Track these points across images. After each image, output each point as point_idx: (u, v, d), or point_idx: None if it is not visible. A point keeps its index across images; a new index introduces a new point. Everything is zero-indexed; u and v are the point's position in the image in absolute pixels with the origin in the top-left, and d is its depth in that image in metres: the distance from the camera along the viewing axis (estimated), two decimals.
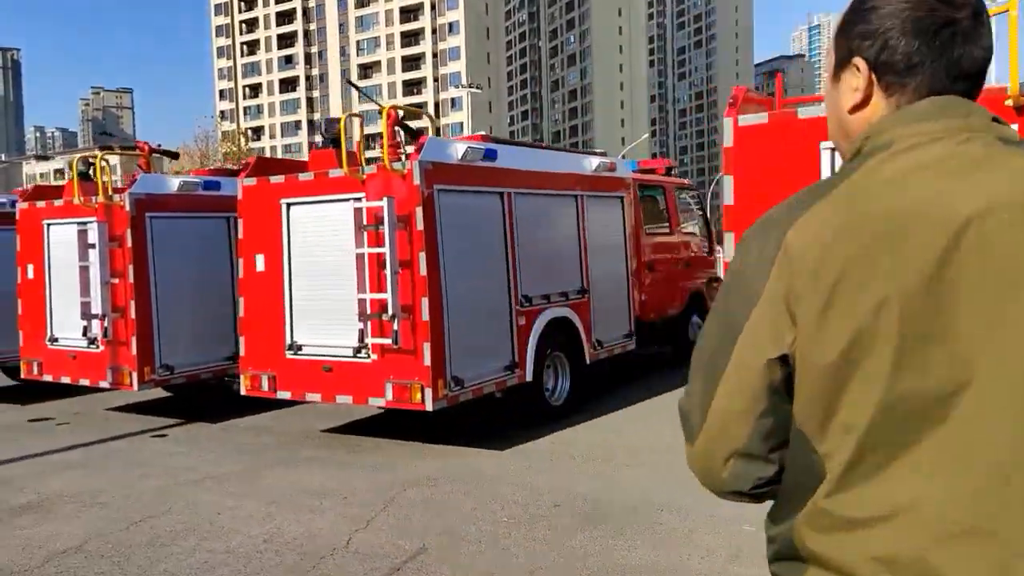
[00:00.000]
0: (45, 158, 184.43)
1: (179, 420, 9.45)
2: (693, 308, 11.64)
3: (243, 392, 7.98)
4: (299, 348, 7.50)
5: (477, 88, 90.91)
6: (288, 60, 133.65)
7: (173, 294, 8.99)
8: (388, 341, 6.79)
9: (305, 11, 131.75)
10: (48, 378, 9.63)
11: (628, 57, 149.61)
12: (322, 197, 7.30)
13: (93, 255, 8.76)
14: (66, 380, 9.45)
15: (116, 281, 8.74)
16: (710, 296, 12.39)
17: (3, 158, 70.92)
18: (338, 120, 7.68)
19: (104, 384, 9.02)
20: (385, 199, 6.67)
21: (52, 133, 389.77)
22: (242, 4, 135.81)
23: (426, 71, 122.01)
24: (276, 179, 7.62)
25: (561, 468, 6.82)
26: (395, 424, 8.60)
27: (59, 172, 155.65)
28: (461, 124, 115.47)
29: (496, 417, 8.44)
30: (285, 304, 7.57)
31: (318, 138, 8.10)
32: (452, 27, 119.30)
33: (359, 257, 6.91)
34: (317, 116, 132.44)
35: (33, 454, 8.20)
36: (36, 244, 9.57)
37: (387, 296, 6.71)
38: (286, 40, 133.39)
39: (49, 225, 9.48)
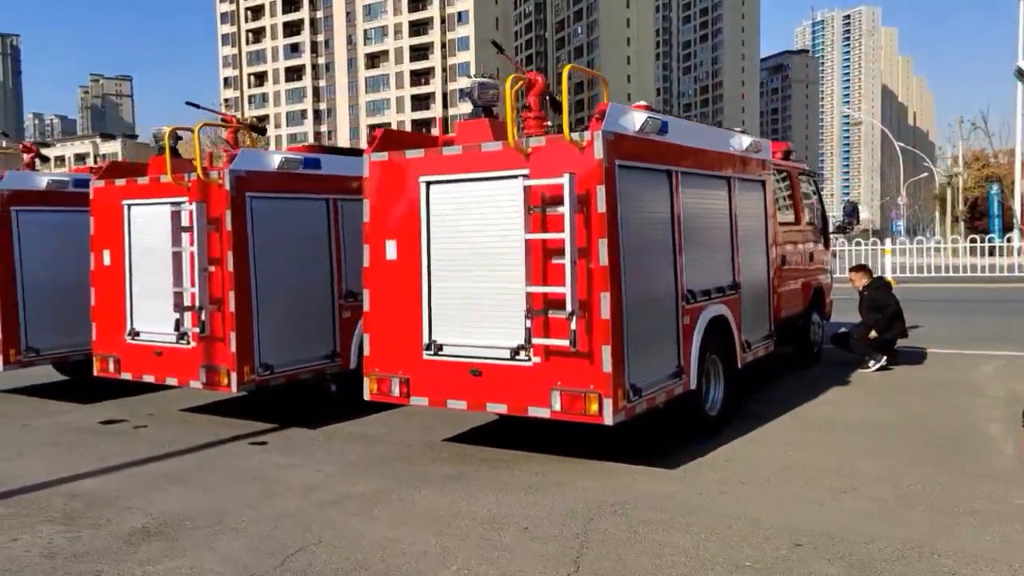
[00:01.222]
0: (45, 145, 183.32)
1: (272, 425, 8.50)
2: (814, 306, 10.71)
3: (367, 397, 7.03)
4: (439, 348, 6.54)
5: (491, 78, 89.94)
6: (294, 48, 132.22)
7: (273, 285, 8.03)
8: (562, 342, 5.83)
9: None
10: (127, 376, 8.67)
11: (636, 50, 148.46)
12: (473, 174, 6.33)
13: (187, 240, 7.79)
14: (149, 379, 8.49)
15: (213, 269, 7.78)
16: (828, 294, 11.47)
17: (4, 144, 69.39)
18: (494, 84, 6.71)
19: (196, 384, 8.06)
20: (566, 176, 5.70)
21: (51, 120, 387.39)
22: None
23: (434, 61, 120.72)
24: (414, 154, 6.65)
25: (763, 493, 5.87)
26: (510, 432, 7.66)
27: (60, 159, 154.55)
28: (467, 114, 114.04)
29: (637, 428, 7.49)
30: (422, 297, 6.61)
31: (462, 108, 7.12)
32: (461, 16, 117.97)
33: (530, 244, 5.95)
34: (323, 106, 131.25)
35: (122, 464, 7.26)
36: (114, 227, 8.59)
37: (565, 290, 5.75)
38: (292, 28, 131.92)
39: (130, 206, 8.49)
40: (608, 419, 5.78)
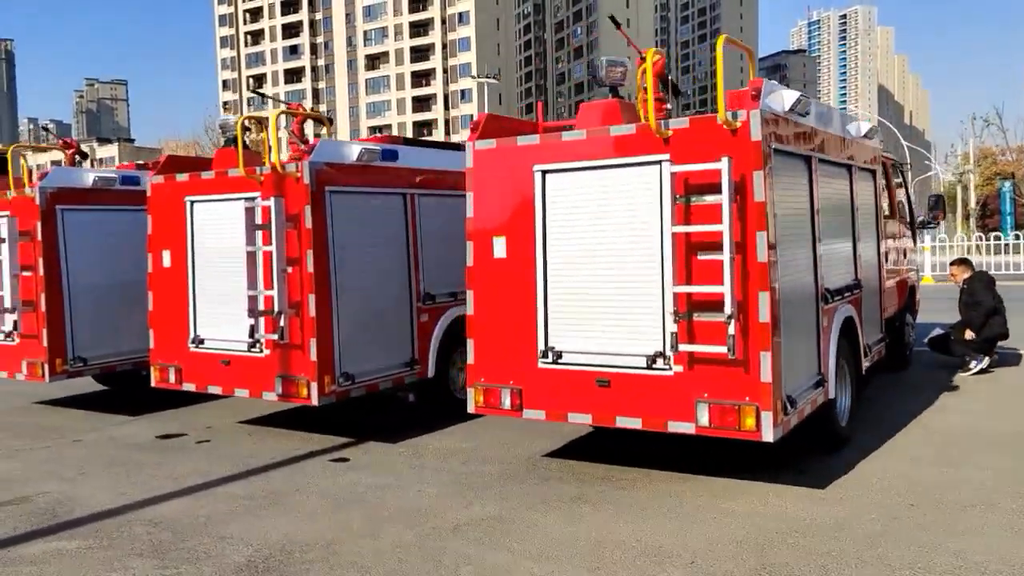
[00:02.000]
0: (43, 150, 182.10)
1: (346, 439, 7.84)
2: (908, 305, 10.10)
3: (471, 409, 6.40)
4: (558, 356, 5.90)
5: (495, 79, 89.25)
6: (293, 50, 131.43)
7: (352, 287, 7.39)
8: (715, 349, 5.20)
9: (311, 0, 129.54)
10: (190, 387, 8.01)
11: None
12: (599, 162, 5.70)
13: (262, 238, 7.15)
14: (215, 390, 7.83)
15: (290, 270, 7.13)
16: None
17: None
18: (622, 62, 6.06)
19: (270, 396, 7.41)
20: (724, 160, 5.07)
21: (46, 125, 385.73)
22: None
23: (435, 62, 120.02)
24: (527, 140, 6.02)
25: (945, 519, 5.24)
26: (608, 445, 7.02)
27: (56, 163, 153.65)
28: (471, 116, 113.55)
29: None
30: (537, 299, 5.97)
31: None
32: (462, 17, 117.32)
33: (676, 238, 5.31)
34: (323, 108, 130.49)
35: (199, 485, 6.61)
36: (175, 226, 7.93)
37: (723, 290, 5.12)
38: (291, 30, 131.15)
39: (193, 203, 7.84)
40: (768, 435, 5.15)
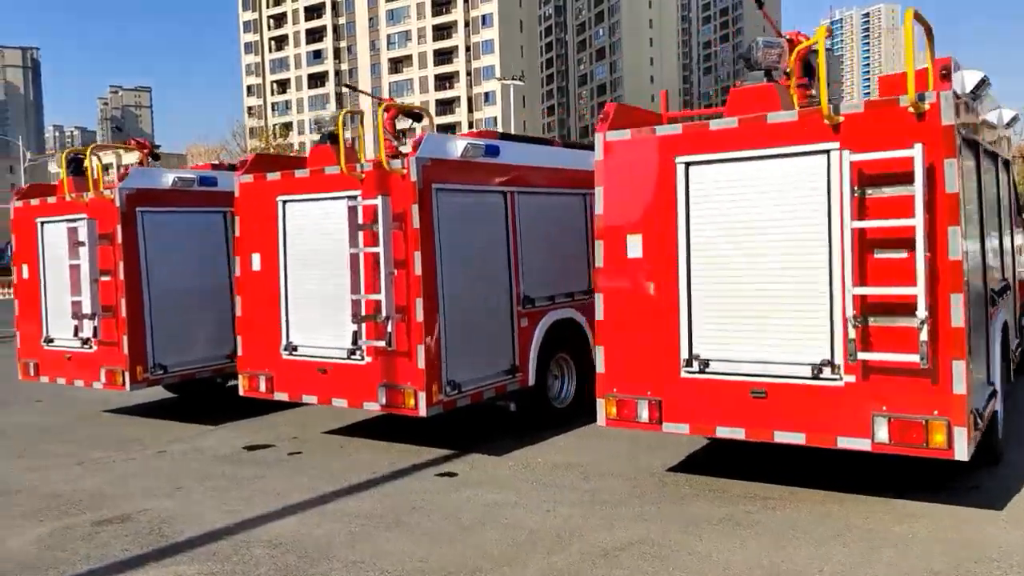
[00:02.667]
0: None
1: (447, 451, 7.41)
2: None
3: (602, 422, 5.93)
4: (705, 365, 5.44)
5: (520, 81, 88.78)
6: (317, 55, 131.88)
7: (457, 290, 6.97)
8: (902, 357, 4.71)
9: (334, 5, 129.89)
10: (282, 396, 7.62)
11: (659, 51, 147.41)
12: (753, 151, 5.23)
13: (364, 239, 6.73)
14: (311, 400, 7.43)
15: (396, 272, 6.71)
16: None
17: (29, 156, 69.80)
18: (779, 43, 5.58)
19: (372, 407, 6.99)
20: (917, 148, 4.58)
21: (71, 132, 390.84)
22: None
23: (458, 65, 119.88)
24: (667, 131, 5.56)
25: None
26: (735, 458, 6.54)
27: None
28: (495, 119, 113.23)
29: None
30: (680, 303, 5.51)
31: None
32: (485, 19, 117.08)
33: (854, 234, 4.83)
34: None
35: (308, 501, 6.21)
36: (266, 227, 7.54)
37: (914, 291, 4.63)
38: (315, 35, 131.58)
39: (286, 203, 7.44)
40: (961, 453, 4.67)
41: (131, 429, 9.08)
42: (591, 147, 9.37)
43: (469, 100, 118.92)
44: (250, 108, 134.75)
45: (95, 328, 8.44)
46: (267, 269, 7.59)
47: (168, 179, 8.81)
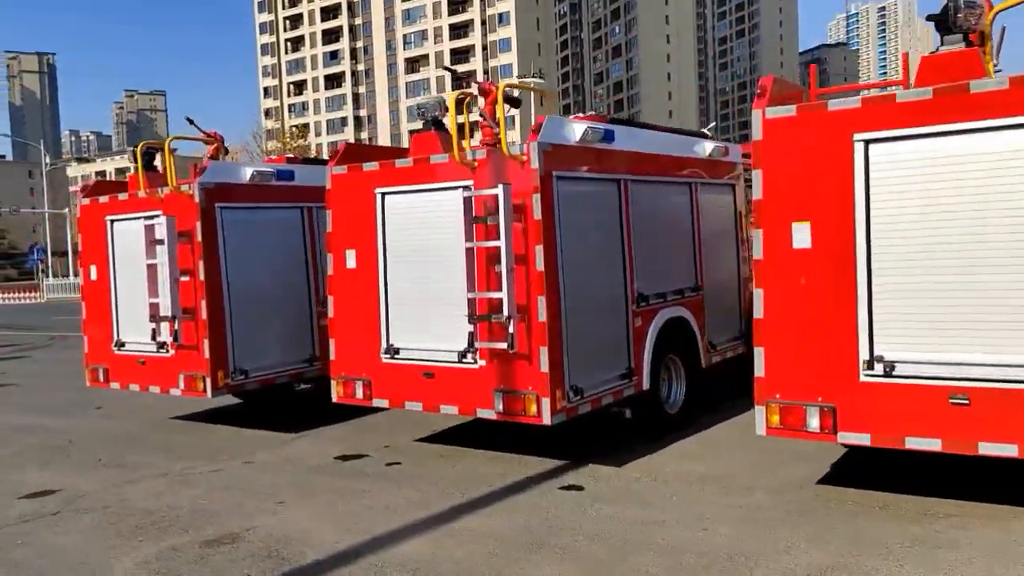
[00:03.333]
0: (87, 160, 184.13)
1: (559, 460, 6.87)
2: None
3: (761, 431, 5.38)
4: (890, 368, 4.87)
5: (541, 79, 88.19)
6: (333, 56, 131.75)
7: (577, 287, 6.43)
8: None
9: (350, 6, 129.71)
10: (382, 403, 7.11)
11: (676, 47, 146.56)
12: (955, 125, 4.65)
13: (477, 233, 6.21)
14: (415, 407, 6.91)
15: (515, 269, 6.17)
16: None
17: (48, 161, 69.85)
18: (980, 3, 4.98)
19: (486, 414, 6.46)
20: None
21: (87, 137, 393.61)
22: (286, 0, 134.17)
23: (475, 64, 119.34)
24: (842, 104, 5.00)
25: None
26: (875, 465, 5.97)
27: (100, 174, 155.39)
28: (513, 118, 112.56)
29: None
30: (859, 297, 4.95)
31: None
32: (502, 18, 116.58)
33: None
34: (363, 112, 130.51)
35: (426, 519, 5.69)
36: (363, 222, 7.03)
37: None
38: (331, 36, 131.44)
39: (385, 195, 6.93)
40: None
41: (207, 437, 8.61)
42: (691, 133, 8.90)
43: None
44: (267, 110, 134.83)
45: (175, 331, 7.96)
46: (363, 267, 7.07)
47: (246, 173, 8.32)
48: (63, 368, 15.32)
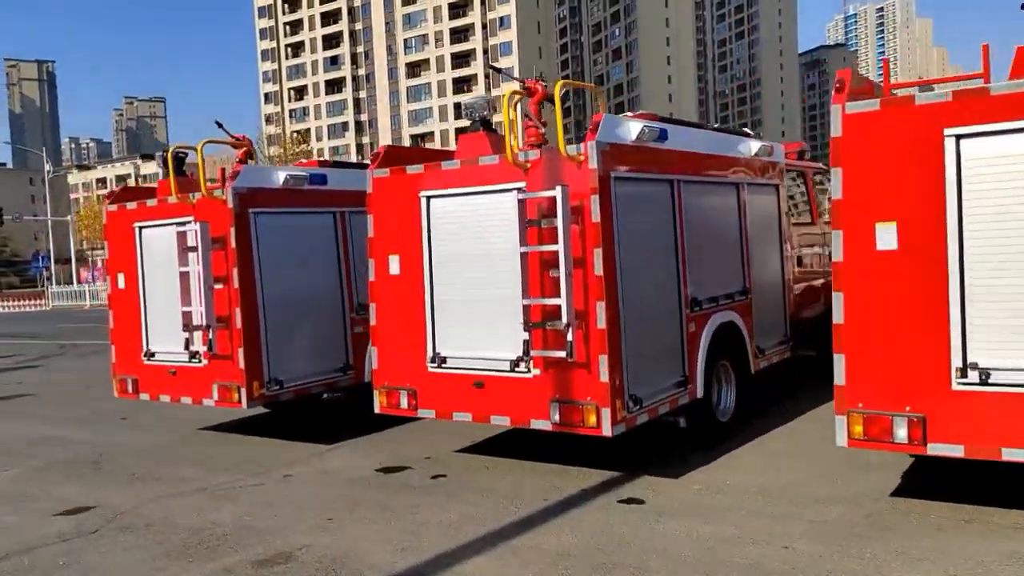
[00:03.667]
0: (87, 168, 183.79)
1: (612, 472, 6.63)
2: None
3: (842, 442, 5.13)
4: (985, 376, 4.62)
5: (544, 82, 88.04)
6: (334, 61, 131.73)
7: (633, 292, 6.19)
8: None
9: (351, 11, 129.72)
10: (427, 414, 6.86)
11: (676, 49, 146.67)
12: None
13: (529, 237, 5.97)
14: (463, 418, 6.66)
15: (574, 274, 5.93)
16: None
17: (50, 169, 69.84)
18: None
19: (542, 425, 6.21)
20: None
21: (87, 144, 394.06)
22: (286, 6, 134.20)
23: (476, 68, 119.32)
24: (930, 98, 4.75)
25: None
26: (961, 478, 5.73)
27: (101, 181, 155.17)
28: (513, 120, 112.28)
29: None
30: (951, 301, 4.70)
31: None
32: (503, 21, 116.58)
33: None
34: (364, 117, 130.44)
35: (486, 537, 5.44)
36: (406, 226, 6.78)
37: None
38: (331, 41, 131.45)
39: (431, 198, 6.69)
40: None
41: (240, 449, 8.37)
42: (736, 132, 8.66)
43: (488, 103, 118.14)
44: (268, 115, 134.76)
45: (210, 340, 7.71)
46: (407, 273, 6.84)
47: (279, 177, 8.09)
48: (79, 377, 15.10)
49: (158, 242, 8.34)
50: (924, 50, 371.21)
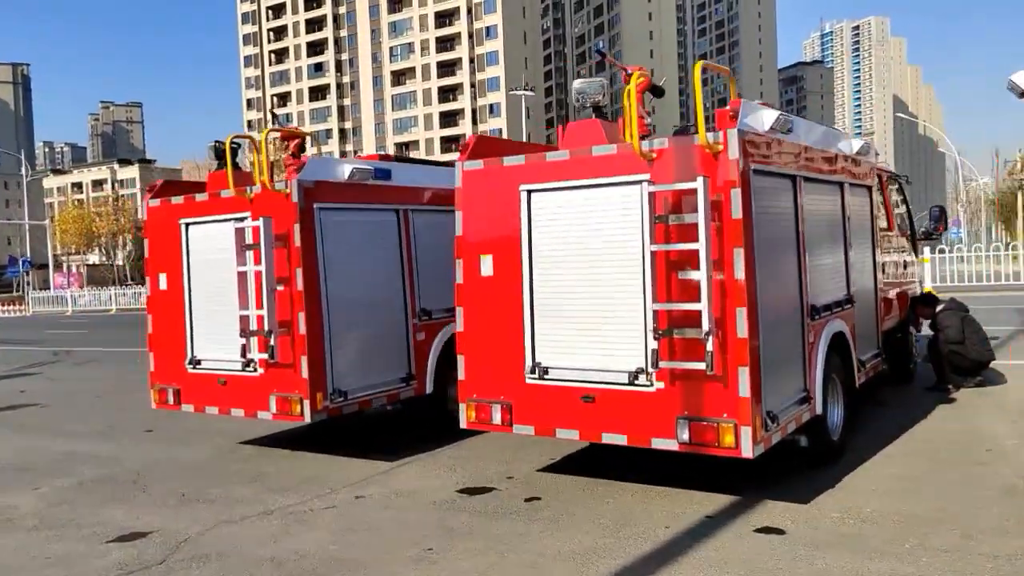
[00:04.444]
0: (62, 172, 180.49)
1: (731, 495, 6.01)
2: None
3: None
4: None
5: (531, 91, 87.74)
6: (318, 68, 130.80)
7: (767, 297, 5.58)
8: None
9: (336, 18, 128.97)
10: (525, 430, 6.19)
11: (659, 62, 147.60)
12: None
13: (661, 235, 5.37)
14: (569, 435, 6.00)
15: (713, 278, 5.32)
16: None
17: (28, 173, 68.50)
18: None
19: (666, 444, 5.56)
20: None
21: (61, 148, 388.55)
22: (270, 12, 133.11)
23: (462, 77, 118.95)
24: None
25: None
26: None
27: (76, 186, 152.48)
28: (500, 130, 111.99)
29: None
30: None
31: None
32: (489, 31, 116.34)
33: None
34: (348, 124, 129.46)
35: (621, 572, 4.79)
36: (502, 226, 6.12)
37: None
38: (316, 48, 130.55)
39: (531, 192, 6.05)
40: None
41: (294, 465, 7.65)
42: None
43: (473, 112, 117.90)
44: (249, 121, 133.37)
45: (271, 347, 7.01)
46: (503, 274, 6.19)
47: (345, 170, 7.42)
48: (84, 386, 14.27)
49: (207, 240, 7.64)
50: (899, 67, 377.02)
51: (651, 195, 5.37)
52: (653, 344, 5.41)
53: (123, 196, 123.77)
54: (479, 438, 8.28)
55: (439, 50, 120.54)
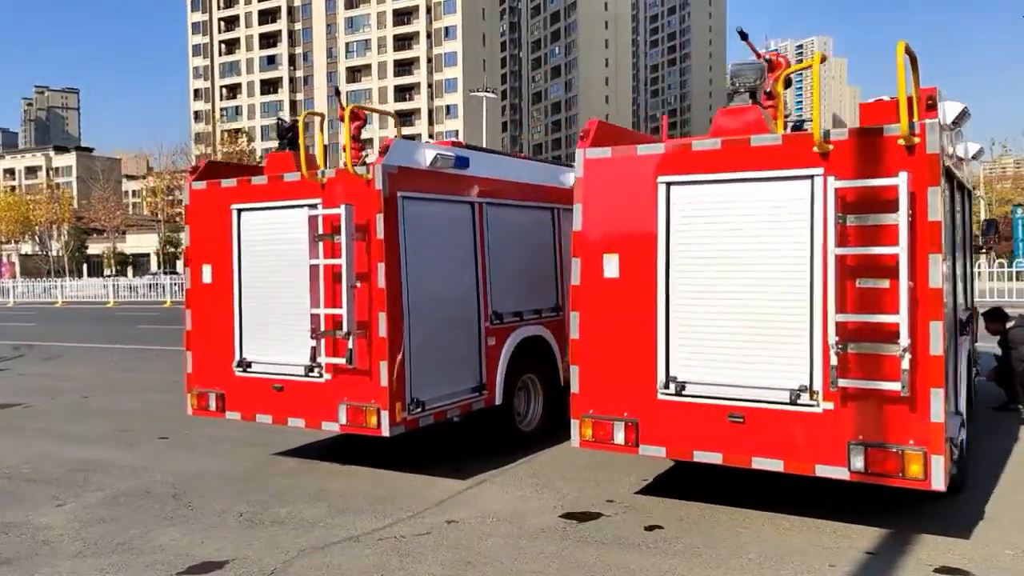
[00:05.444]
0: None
1: (875, 528, 5.44)
2: None
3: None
4: None
5: (493, 93, 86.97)
6: (271, 60, 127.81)
7: (948, 312, 5.03)
8: None
9: (290, 10, 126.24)
10: (656, 451, 5.49)
11: (614, 71, 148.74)
12: None
13: (841, 234, 4.76)
14: (709, 458, 5.31)
15: (886, 283, 4.74)
16: None
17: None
18: None
19: (833, 472, 4.91)
20: None
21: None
22: (221, 1, 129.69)
23: (419, 76, 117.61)
24: None
25: None
26: None
27: (8, 172, 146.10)
28: (456, 132, 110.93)
29: None
30: None
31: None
32: (448, 31, 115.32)
33: None
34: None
35: None
36: (632, 223, 5.44)
37: None
38: (269, 40, 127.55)
39: (671, 184, 5.39)
40: None
41: (358, 482, 6.83)
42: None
43: (430, 112, 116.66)
44: (197, 112, 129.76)
45: (350, 351, 6.19)
46: (630, 276, 5.50)
47: (428, 156, 6.65)
48: (63, 384, 13.13)
49: (264, 229, 6.79)
50: (839, 87, 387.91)
51: (836, 192, 4.76)
52: (833, 360, 4.80)
53: (60, 185, 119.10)
54: (545, 453, 7.62)
55: (397, 48, 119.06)
